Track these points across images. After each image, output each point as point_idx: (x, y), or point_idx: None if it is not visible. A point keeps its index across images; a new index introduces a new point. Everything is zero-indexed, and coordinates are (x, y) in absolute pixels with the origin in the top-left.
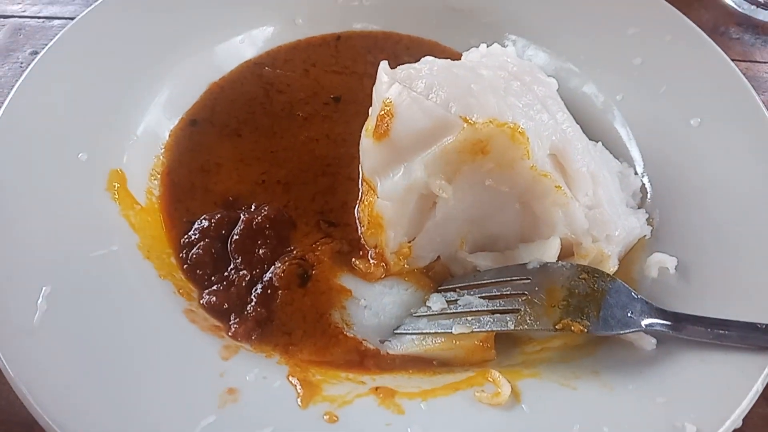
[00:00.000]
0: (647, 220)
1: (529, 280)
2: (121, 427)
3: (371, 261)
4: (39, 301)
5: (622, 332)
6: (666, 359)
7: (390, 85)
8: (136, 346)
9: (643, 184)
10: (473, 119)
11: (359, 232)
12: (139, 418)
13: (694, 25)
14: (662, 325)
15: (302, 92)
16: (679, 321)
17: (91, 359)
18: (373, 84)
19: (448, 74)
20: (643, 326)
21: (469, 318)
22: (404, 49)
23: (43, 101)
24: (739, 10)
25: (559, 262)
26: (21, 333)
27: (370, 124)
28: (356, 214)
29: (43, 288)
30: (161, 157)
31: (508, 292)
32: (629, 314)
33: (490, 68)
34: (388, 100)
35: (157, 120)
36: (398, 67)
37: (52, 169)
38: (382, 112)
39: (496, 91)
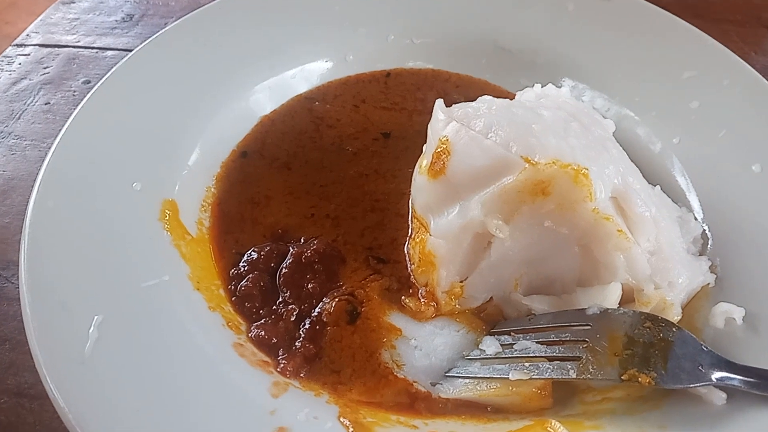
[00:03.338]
0: (710, 267)
1: (589, 327)
2: None
3: (421, 300)
4: (91, 330)
5: (692, 386)
6: (737, 415)
7: (447, 123)
8: (186, 379)
9: (704, 231)
10: (535, 160)
11: (409, 269)
12: None
13: (751, 69)
14: (734, 379)
15: (352, 127)
16: (752, 375)
17: (141, 392)
18: (422, 121)
19: (508, 114)
20: (714, 380)
21: (527, 364)
22: (453, 88)
23: (98, 130)
24: None
25: (621, 308)
26: (72, 362)
27: (424, 161)
28: (406, 251)
29: (95, 317)
30: (212, 188)
31: (568, 338)
32: (699, 367)
33: (549, 108)
34: (444, 138)
35: (209, 151)
36: (454, 105)
37: (107, 197)
38: (439, 150)
39: (557, 131)
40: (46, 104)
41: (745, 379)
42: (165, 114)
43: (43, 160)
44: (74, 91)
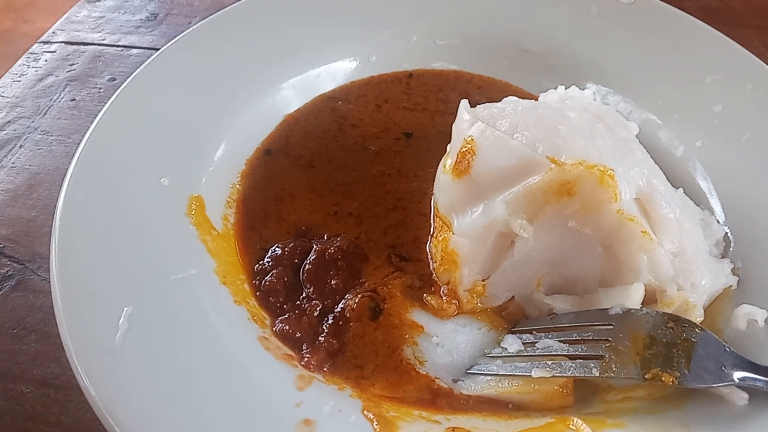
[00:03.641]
0: (732, 270)
1: (612, 326)
2: None
3: (443, 297)
4: (121, 321)
5: (715, 385)
6: (759, 415)
7: (472, 123)
8: (213, 370)
9: (726, 234)
10: (561, 160)
11: (431, 267)
12: None
13: None
14: (756, 379)
15: (374, 127)
16: None
17: (169, 382)
18: (444, 121)
19: (534, 115)
20: (737, 380)
21: (549, 362)
22: (475, 89)
23: (127, 126)
24: None
25: (643, 309)
26: (103, 352)
27: (448, 160)
28: (428, 250)
29: (125, 308)
30: (237, 185)
31: (590, 338)
32: (722, 367)
33: (575, 110)
34: (470, 138)
35: (234, 149)
36: (479, 105)
37: (135, 192)
38: (464, 150)
39: (583, 132)
40: (71, 101)
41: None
42: (191, 111)
43: (69, 156)
44: (100, 88)
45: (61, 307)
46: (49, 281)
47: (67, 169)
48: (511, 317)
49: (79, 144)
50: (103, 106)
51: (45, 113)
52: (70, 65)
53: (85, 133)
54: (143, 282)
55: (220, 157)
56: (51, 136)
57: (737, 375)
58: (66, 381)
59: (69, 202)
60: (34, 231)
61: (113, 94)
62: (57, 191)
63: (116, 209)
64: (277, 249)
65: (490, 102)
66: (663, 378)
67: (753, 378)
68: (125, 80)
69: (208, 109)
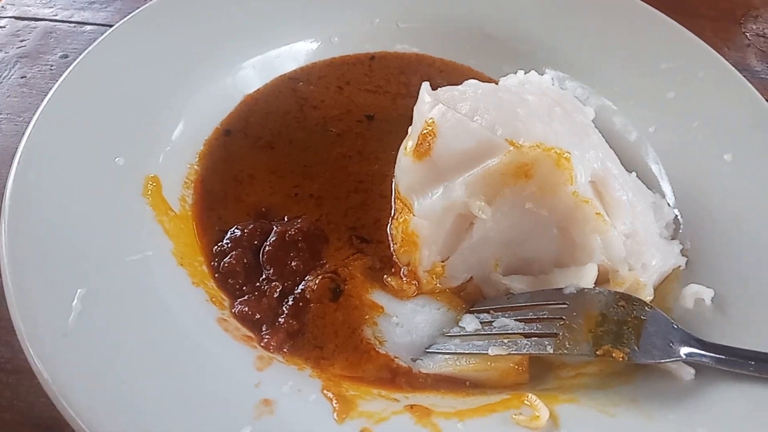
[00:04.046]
0: (681, 251)
1: (566, 305)
2: None
3: (403, 278)
4: (74, 303)
5: (662, 361)
6: (705, 390)
7: (433, 105)
8: (170, 352)
9: (676, 216)
10: (520, 143)
11: (391, 249)
12: (175, 425)
13: (726, 62)
14: (701, 355)
15: (336, 109)
16: (719, 352)
17: (126, 364)
18: (406, 104)
19: (494, 98)
20: (684, 356)
21: (506, 340)
22: (437, 72)
23: (80, 104)
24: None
25: (596, 288)
26: (55, 334)
27: (409, 142)
28: (389, 232)
29: (78, 290)
30: (195, 165)
31: (545, 316)
32: (669, 343)
33: (534, 94)
34: (431, 120)
35: (192, 129)
36: (440, 88)
37: (89, 171)
38: (425, 132)
39: (542, 116)
40: (22, 78)
41: (713, 355)
42: (147, 90)
43: (19, 135)
44: (51, 66)
45: (12, 289)
46: None
47: (16, 148)
48: (470, 297)
49: (29, 122)
50: (55, 83)
51: None
52: (21, 41)
53: (36, 111)
54: (97, 263)
55: (177, 136)
56: (0, 114)
57: (684, 351)
58: (17, 365)
59: (19, 181)
60: None
61: (65, 71)
62: (6, 171)
63: (69, 189)
64: (236, 230)
65: (452, 85)
66: (614, 354)
67: (699, 354)
68: (78, 57)
69: (164, 88)
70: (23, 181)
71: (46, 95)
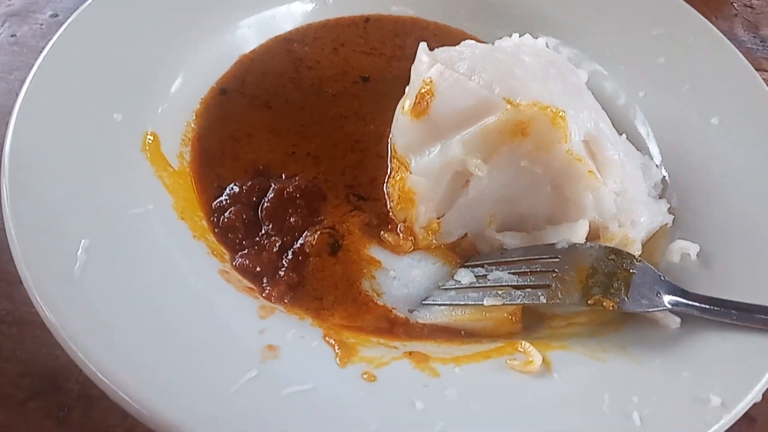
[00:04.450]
0: (668, 209)
1: (558, 259)
2: (166, 377)
3: (400, 234)
4: (78, 253)
5: (650, 310)
6: (690, 337)
7: (431, 65)
8: (177, 300)
9: (664, 177)
10: (517, 101)
11: (388, 206)
12: (184, 369)
13: (715, 29)
14: (687, 305)
15: (331, 70)
16: (703, 302)
17: (132, 310)
18: (401, 66)
19: (491, 58)
20: (670, 305)
21: (500, 292)
22: (431, 35)
23: (75, 61)
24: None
25: (588, 243)
26: (62, 282)
27: (407, 102)
28: (385, 190)
29: (82, 241)
30: (192, 123)
31: (538, 270)
32: (657, 294)
33: (529, 55)
34: (428, 79)
35: (188, 87)
36: (438, 48)
37: (88, 127)
38: (423, 91)
39: (538, 76)
40: (12, 36)
41: (698, 305)
42: (142, 48)
43: (11, 93)
44: (41, 24)
45: (17, 241)
46: None
47: (13, 106)
48: (464, 253)
49: (22, 81)
50: (46, 42)
51: None
52: (9, 0)
53: (29, 69)
54: (100, 216)
55: (174, 94)
56: None
57: (670, 301)
58: (19, 317)
59: (18, 137)
60: None
61: (56, 30)
62: (2, 129)
63: (68, 144)
64: (234, 187)
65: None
66: (604, 303)
67: (685, 303)
68: (69, 17)
69: (159, 46)
70: (22, 137)
71: (37, 54)
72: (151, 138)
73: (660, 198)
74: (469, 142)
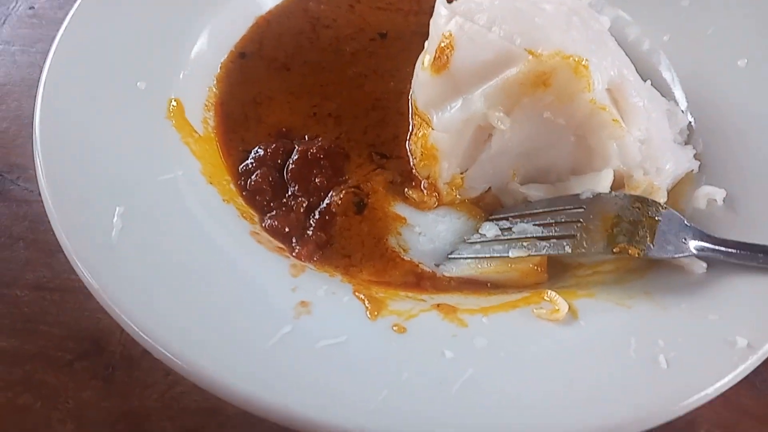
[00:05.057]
0: (694, 156)
1: (583, 209)
2: (205, 334)
3: (424, 191)
4: (114, 220)
5: (676, 256)
6: (716, 282)
7: (449, 18)
8: (211, 261)
9: (690, 123)
10: (538, 52)
11: (411, 164)
12: (222, 326)
13: None
14: (713, 249)
15: (348, 28)
16: (730, 246)
17: (170, 272)
18: (418, 21)
19: (511, 8)
20: (695, 251)
21: (525, 243)
22: None
23: (96, 32)
24: None
25: (612, 192)
26: (101, 248)
27: (426, 57)
28: (408, 148)
29: (117, 208)
30: (213, 88)
31: (563, 220)
32: (683, 240)
33: (551, 3)
34: (448, 33)
35: (208, 52)
36: (456, 1)
37: (113, 96)
38: (442, 45)
39: (559, 25)
40: (30, 8)
41: (724, 249)
42: (161, 13)
43: (34, 66)
44: None
45: (54, 212)
46: (30, 190)
47: (39, 78)
48: (488, 207)
49: (44, 53)
50: (64, 12)
51: (3, 23)
52: None
53: (50, 41)
54: (131, 183)
55: (194, 60)
56: (12, 46)
57: (696, 246)
58: (59, 284)
59: (47, 111)
60: (8, 143)
61: (74, 1)
62: (27, 102)
63: (95, 114)
64: (259, 150)
65: None
66: (629, 251)
67: (711, 248)
68: None
69: (177, 11)
70: (50, 110)
71: (56, 25)
72: (175, 104)
73: (686, 144)
74: (491, 95)
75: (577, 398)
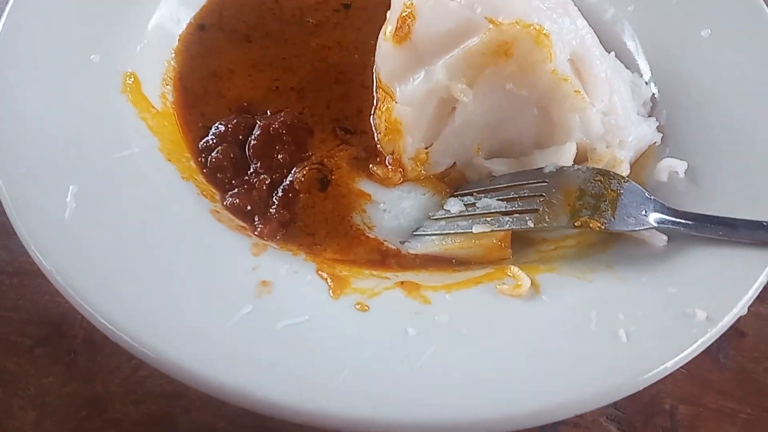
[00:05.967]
0: (657, 128)
1: (545, 183)
2: (163, 316)
3: (388, 167)
4: (68, 200)
5: (636, 229)
6: (677, 254)
7: None
8: (169, 241)
9: (653, 94)
10: (499, 20)
11: (375, 138)
12: (181, 308)
13: None
14: (674, 222)
15: None
16: (690, 219)
17: (127, 252)
18: None
19: None
20: (656, 224)
21: (489, 218)
22: None
23: (46, 3)
24: None
25: (575, 165)
26: (53, 229)
27: (388, 27)
28: (372, 122)
29: (71, 187)
30: (172, 62)
31: (526, 195)
32: (643, 213)
33: None
34: (409, 2)
35: (166, 24)
36: None
37: (65, 70)
38: (404, 14)
39: None
40: None
41: (685, 221)
42: None
43: None
44: None
45: (6, 191)
46: None
47: None
48: (453, 182)
49: None
50: None
51: None
52: None
53: (1, 13)
54: (85, 161)
55: (151, 32)
56: None
57: (657, 219)
58: (18, 267)
59: None
60: None
61: None
62: None
63: (47, 90)
64: (220, 126)
65: None
66: (591, 224)
67: (672, 221)
68: None
69: None
70: (0, 88)
71: None
72: (131, 79)
73: (649, 116)
74: (453, 66)
75: (539, 373)
